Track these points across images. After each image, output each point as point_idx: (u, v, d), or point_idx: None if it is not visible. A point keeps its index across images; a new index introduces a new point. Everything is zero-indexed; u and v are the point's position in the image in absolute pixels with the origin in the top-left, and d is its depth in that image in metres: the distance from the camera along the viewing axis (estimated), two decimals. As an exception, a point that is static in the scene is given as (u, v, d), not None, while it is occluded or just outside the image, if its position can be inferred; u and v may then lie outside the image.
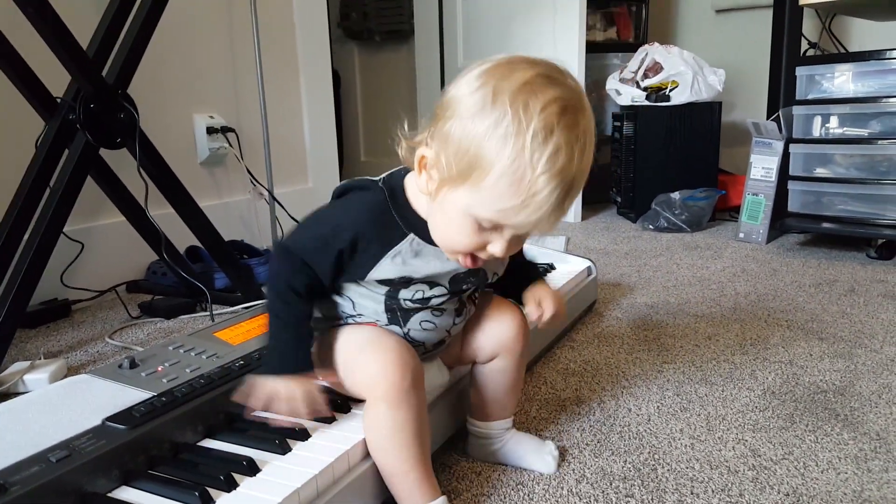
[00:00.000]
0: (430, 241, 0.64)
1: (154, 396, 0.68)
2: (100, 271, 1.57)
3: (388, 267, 0.64)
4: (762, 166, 2.00)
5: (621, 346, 1.16)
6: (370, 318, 0.68)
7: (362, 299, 0.68)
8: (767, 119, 2.03)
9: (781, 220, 1.93)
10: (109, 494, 0.58)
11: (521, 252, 0.76)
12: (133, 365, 0.75)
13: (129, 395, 0.69)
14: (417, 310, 0.68)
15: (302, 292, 0.64)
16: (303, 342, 0.65)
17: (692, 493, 0.71)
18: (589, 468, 0.77)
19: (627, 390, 0.98)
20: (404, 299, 0.67)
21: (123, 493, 0.58)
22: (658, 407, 0.92)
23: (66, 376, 1.10)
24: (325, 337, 0.70)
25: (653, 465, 0.77)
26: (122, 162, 1.34)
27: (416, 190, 0.63)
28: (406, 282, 0.65)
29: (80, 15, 1.24)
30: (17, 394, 1.04)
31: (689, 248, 1.94)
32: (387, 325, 0.68)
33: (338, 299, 0.69)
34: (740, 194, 2.11)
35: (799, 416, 0.89)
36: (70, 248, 1.44)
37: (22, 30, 1.11)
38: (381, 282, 0.65)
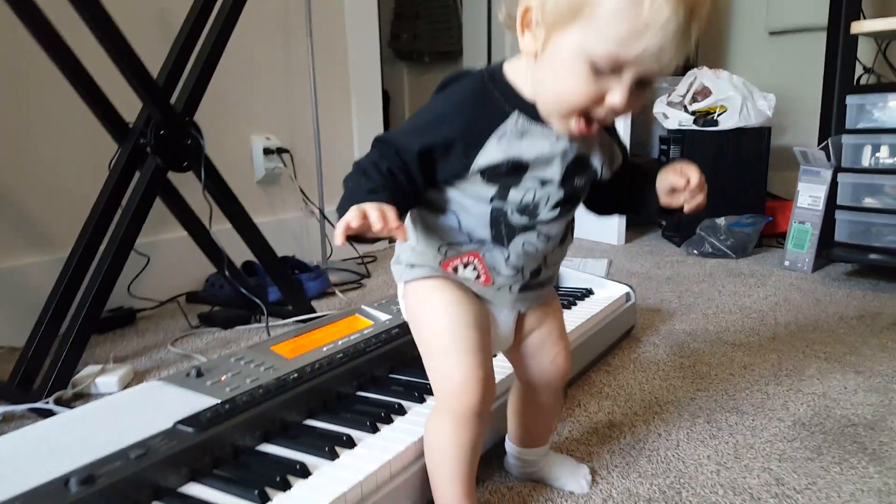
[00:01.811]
0: (536, 120, 0.60)
1: (218, 403, 0.75)
2: (162, 283, 1.69)
3: (493, 149, 0.60)
4: (809, 195, 1.99)
5: (657, 372, 1.19)
6: (476, 237, 0.64)
7: (468, 210, 0.63)
8: (818, 146, 2.02)
9: (828, 250, 1.91)
10: (180, 490, 0.65)
11: (626, 160, 0.70)
12: (199, 374, 0.83)
13: (196, 401, 0.76)
14: (524, 229, 0.64)
15: (383, 171, 0.59)
16: (378, 186, 0.58)
17: (715, 518, 0.74)
18: (616, 489, 0.81)
19: (659, 416, 1.01)
20: (513, 208, 0.63)
21: (192, 488, 0.65)
22: (688, 433, 0.95)
23: (132, 381, 1.20)
24: (420, 288, 0.68)
25: (678, 489, 0.80)
26: (184, 180, 1.44)
27: (516, 70, 0.61)
28: (516, 170, 0.61)
29: (150, 47, 1.34)
30: (90, 394, 1.14)
31: (732, 275, 1.93)
32: (491, 246, 0.65)
33: (442, 219, 0.65)
34: (789, 220, 2.09)
35: (827, 447, 0.90)
36: (136, 260, 1.55)
37: (99, 62, 1.21)
38: (488, 173, 0.61)
